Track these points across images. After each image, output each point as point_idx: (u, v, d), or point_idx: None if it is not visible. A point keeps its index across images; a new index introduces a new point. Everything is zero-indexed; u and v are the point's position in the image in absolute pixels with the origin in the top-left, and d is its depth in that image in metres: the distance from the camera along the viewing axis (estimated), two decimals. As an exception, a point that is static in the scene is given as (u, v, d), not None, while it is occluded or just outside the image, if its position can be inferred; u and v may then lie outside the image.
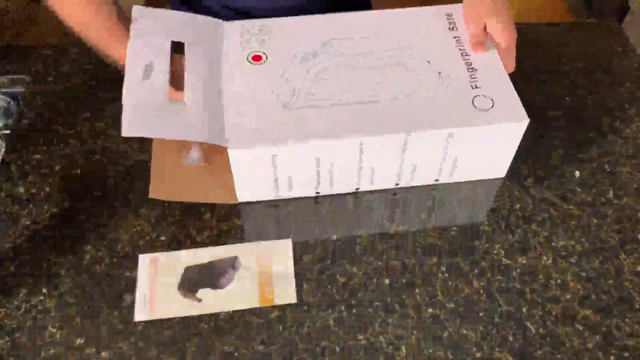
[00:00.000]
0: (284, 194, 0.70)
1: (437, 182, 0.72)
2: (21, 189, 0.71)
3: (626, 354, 0.59)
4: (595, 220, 0.69)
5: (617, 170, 0.74)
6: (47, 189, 0.71)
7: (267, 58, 0.70)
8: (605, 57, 0.89)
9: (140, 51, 0.65)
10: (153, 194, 0.69)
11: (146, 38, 0.66)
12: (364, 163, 0.67)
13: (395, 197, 0.71)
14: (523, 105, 0.66)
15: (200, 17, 0.71)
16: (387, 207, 0.70)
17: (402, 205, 0.71)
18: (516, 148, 0.69)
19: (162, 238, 0.67)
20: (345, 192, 0.71)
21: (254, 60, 0.69)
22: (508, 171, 0.73)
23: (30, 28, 1.76)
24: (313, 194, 0.70)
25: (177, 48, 0.67)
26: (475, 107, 0.66)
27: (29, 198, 0.70)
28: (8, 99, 0.85)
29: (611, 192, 0.72)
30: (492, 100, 0.66)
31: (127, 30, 0.68)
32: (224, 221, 0.68)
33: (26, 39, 1.75)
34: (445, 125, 0.64)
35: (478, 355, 0.59)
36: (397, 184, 0.71)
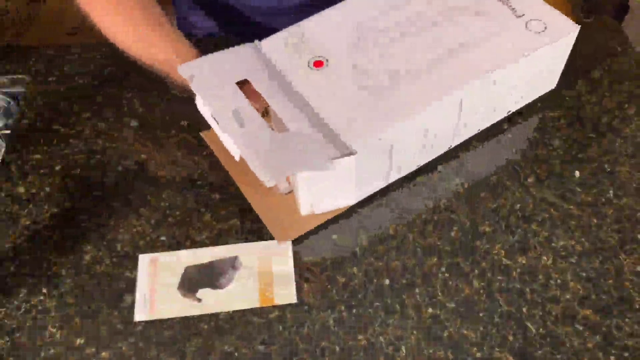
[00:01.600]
0: (393, 178, 0.71)
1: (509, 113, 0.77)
2: (21, 189, 0.71)
3: (626, 354, 0.59)
4: (595, 220, 0.69)
5: (617, 170, 0.74)
6: (47, 189, 0.71)
7: (327, 62, 0.68)
8: (605, 56, 0.89)
9: (217, 103, 0.63)
10: (282, 239, 0.66)
11: (210, 89, 0.64)
12: (462, 115, 0.69)
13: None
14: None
15: (234, 49, 0.69)
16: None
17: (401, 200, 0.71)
18: (567, 55, 0.75)
19: (162, 238, 0.67)
20: (442, 153, 0.74)
21: (315, 66, 0.67)
22: (509, 171, 0.73)
23: (30, 28, 1.76)
24: (415, 168, 0.72)
25: (241, 83, 0.65)
26: (531, 31, 0.70)
27: (29, 198, 0.70)
28: (8, 99, 0.85)
29: (611, 192, 0.72)
30: (541, 22, 0.71)
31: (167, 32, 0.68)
32: (224, 221, 0.68)
33: (26, 39, 1.75)
34: (519, 54, 0.68)
35: (478, 355, 0.59)
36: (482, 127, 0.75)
